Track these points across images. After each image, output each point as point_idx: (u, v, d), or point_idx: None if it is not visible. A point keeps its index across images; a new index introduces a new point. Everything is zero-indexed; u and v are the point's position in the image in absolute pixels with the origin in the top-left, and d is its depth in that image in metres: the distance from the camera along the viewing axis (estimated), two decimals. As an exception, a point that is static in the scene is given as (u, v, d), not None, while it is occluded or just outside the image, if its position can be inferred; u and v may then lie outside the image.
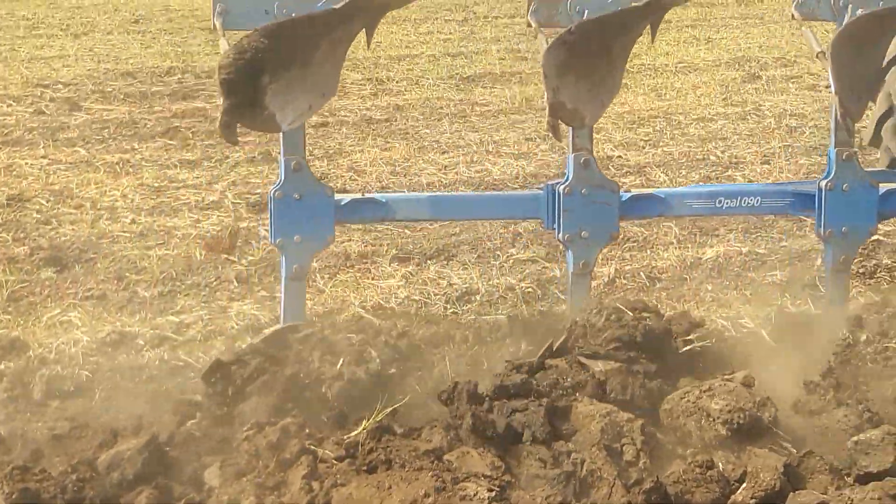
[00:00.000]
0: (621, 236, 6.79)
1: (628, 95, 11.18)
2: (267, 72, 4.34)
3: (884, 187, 5.28)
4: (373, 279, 6.50)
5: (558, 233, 5.06)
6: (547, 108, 4.66)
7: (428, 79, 12.21)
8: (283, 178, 4.76)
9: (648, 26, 4.93)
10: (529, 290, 6.15)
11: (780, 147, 8.95)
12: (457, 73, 12.52)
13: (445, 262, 6.78)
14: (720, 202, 5.39)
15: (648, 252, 6.92)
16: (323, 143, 9.52)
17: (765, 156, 8.77)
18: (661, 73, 12.44)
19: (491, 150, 9.35)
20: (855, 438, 3.97)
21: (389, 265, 6.72)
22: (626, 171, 8.60)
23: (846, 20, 4.96)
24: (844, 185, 5.19)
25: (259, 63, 4.29)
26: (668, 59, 13.28)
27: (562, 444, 3.98)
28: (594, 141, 5.18)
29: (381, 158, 9.03)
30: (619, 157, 8.94)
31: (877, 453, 3.88)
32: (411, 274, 6.58)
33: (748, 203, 5.42)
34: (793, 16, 5.06)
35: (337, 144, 9.55)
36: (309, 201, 4.78)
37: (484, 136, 9.79)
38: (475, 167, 8.86)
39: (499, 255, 6.83)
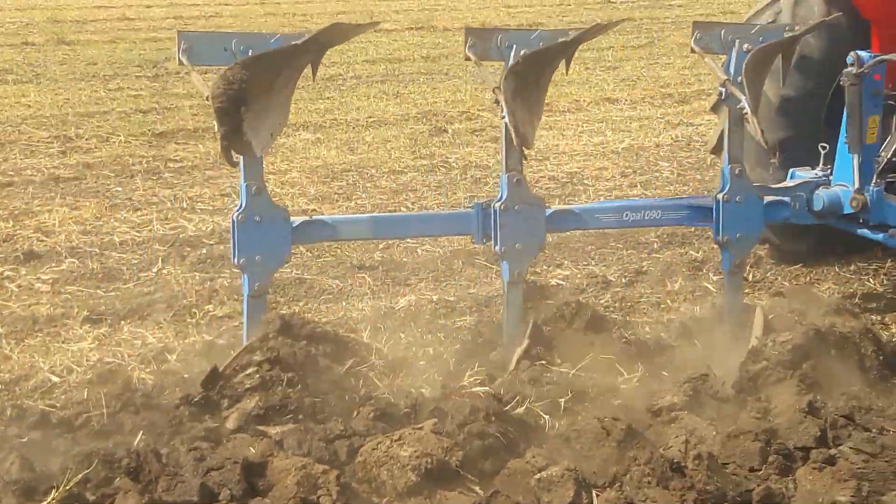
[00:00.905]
0: (317, 288, 7.06)
1: (322, 150, 11.31)
2: (246, 101, 4.80)
3: (767, 199, 6.16)
4: (63, 342, 6.31)
5: (495, 245, 5.56)
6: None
7: (119, 135, 11.92)
8: (244, 202, 5.13)
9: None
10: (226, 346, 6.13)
11: (465, 198, 9.23)
12: (149, 130, 12.28)
13: (140, 322, 6.67)
14: (627, 216, 6.05)
15: (343, 303, 7.03)
16: (7, 204, 9.15)
17: (452, 206, 9.03)
18: (353, 128, 12.61)
19: (186, 206, 9.25)
20: (537, 476, 4.20)
21: (81, 327, 6.53)
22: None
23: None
24: (737, 198, 5.96)
25: (242, 93, 4.76)
26: (360, 113, 13.46)
27: (258, 500, 4.02)
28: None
29: (70, 218, 8.75)
30: (314, 209, 9.02)
31: (557, 489, 4.13)
32: (104, 335, 6.43)
33: (651, 216, 6.10)
34: (692, 49, 5.71)
35: (23, 204, 9.17)
36: (268, 224, 5.18)
37: (178, 193, 9.67)
38: (170, 224, 8.75)
39: (195, 313, 6.78)
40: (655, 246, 8.08)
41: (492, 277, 7.29)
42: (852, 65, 6.24)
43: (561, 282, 7.26)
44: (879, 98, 6.34)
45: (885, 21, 7.05)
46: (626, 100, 14.39)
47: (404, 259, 7.86)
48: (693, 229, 8.11)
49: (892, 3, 7.09)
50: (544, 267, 7.56)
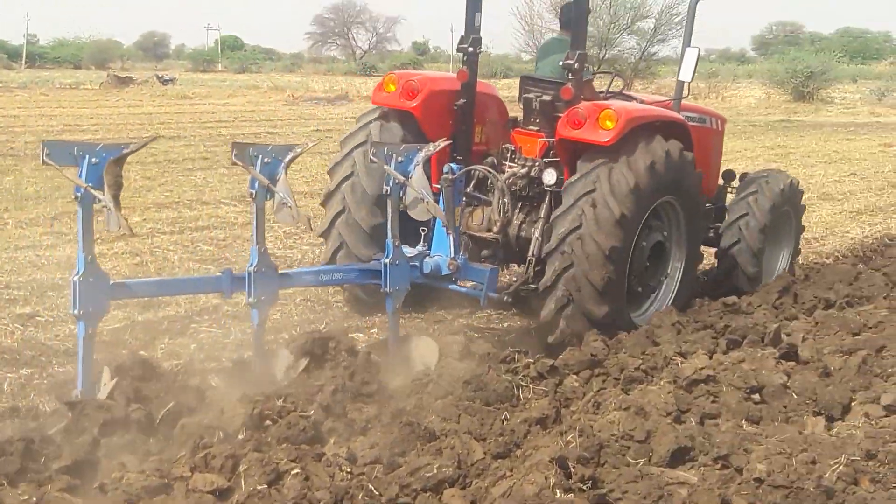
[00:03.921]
0: None
1: None
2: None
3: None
4: None
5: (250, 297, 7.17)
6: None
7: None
8: (82, 268, 6.27)
9: None
10: None
11: None
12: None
13: None
14: (322, 277, 8.20)
15: None
16: None
17: None
18: None
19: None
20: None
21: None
22: None
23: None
24: (397, 261, 7.96)
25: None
26: None
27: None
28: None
29: None
30: None
31: None
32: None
33: (339, 277, 8.35)
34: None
35: None
36: (96, 284, 6.34)
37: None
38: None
39: None
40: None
41: None
42: (447, 173, 8.58)
43: None
44: (461, 195, 8.98)
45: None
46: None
47: None
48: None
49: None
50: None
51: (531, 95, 9.82)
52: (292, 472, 5.31)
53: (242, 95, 50.16)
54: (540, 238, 9.08)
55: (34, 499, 5.04)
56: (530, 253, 9.13)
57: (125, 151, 6.34)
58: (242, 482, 5.28)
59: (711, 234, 11.08)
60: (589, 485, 5.21)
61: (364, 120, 9.76)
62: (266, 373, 7.20)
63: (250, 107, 41.86)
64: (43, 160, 6.13)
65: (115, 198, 6.33)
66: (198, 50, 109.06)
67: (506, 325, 10.21)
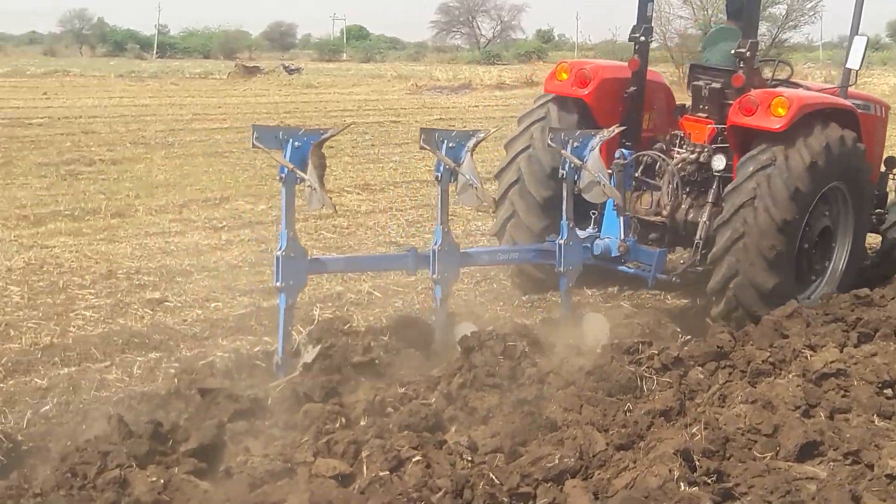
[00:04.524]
0: None
1: None
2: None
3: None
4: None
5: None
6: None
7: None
8: (284, 244, 6.91)
9: None
10: None
11: None
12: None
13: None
14: (500, 256, 8.92)
15: None
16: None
17: None
18: None
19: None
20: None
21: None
22: None
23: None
24: (571, 242, 8.51)
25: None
26: None
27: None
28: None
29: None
30: None
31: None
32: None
33: (515, 256, 8.97)
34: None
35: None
36: (296, 259, 6.98)
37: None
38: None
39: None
40: None
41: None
42: (619, 158, 9.24)
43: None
44: (631, 179, 9.47)
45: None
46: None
47: None
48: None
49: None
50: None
51: (700, 83, 10.12)
52: (413, 460, 5.31)
53: (366, 84, 50.61)
54: (707, 222, 9.35)
55: (162, 481, 5.13)
56: (697, 236, 9.37)
57: (324, 136, 6.97)
58: (364, 468, 5.31)
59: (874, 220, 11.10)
60: (714, 478, 5.13)
61: (540, 101, 10.18)
62: (450, 346, 7.50)
63: (374, 96, 42.21)
64: (253, 144, 6.75)
65: (320, 178, 6.94)
66: (323, 39, 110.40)
67: (669, 304, 10.35)
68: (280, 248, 6.88)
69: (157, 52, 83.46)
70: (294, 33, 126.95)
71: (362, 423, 6.04)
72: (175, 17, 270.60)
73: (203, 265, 10.99)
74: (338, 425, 5.92)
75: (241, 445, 5.75)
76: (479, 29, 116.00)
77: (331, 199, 7.01)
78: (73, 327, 8.65)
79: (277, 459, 5.42)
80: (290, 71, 57.47)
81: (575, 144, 8.38)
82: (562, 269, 8.53)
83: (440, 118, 30.71)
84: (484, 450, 5.63)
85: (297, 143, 6.85)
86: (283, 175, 6.82)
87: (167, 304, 9.48)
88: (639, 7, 9.65)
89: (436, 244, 7.71)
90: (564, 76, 9.93)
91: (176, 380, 6.90)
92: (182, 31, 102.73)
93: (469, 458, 5.44)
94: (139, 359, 7.75)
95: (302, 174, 6.84)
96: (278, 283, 6.88)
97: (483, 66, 76.99)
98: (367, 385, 6.55)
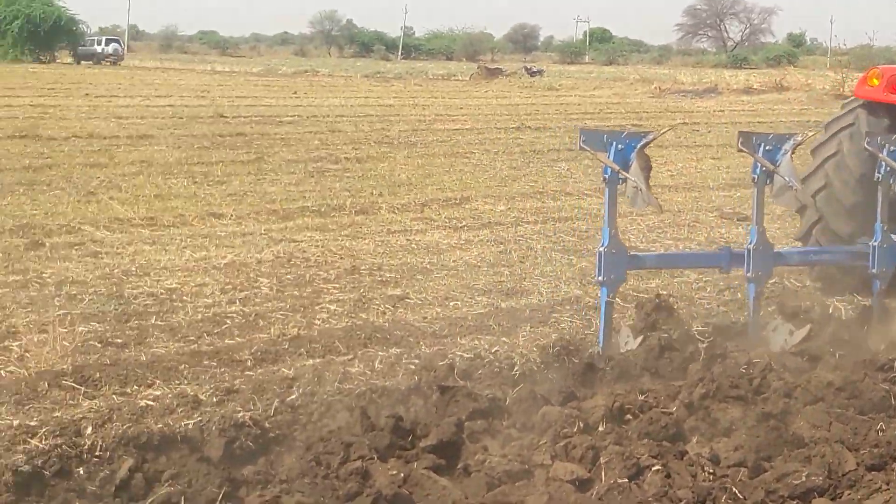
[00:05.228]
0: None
1: None
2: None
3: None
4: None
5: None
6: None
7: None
8: (606, 241, 7.30)
9: None
10: None
11: (57, 315, 8.34)
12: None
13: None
14: (812, 256, 9.17)
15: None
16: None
17: (42, 324, 8.15)
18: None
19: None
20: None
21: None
22: None
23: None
24: (885, 245, 8.28)
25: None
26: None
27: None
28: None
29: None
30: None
31: None
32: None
33: (826, 257, 9.10)
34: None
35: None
36: (617, 255, 7.35)
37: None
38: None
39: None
40: (249, 363, 7.60)
41: (78, 399, 6.73)
42: None
43: (151, 402, 6.63)
44: None
45: None
46: (231, 215, 13.87)
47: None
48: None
49: None
50: (135, 387, 6.97)
51: None
52: (653, 469, 5.21)
53: (608, 87, 50.38)
54: None
55: (402, 475, 5.19)
56: None
57: (647, 140, 7.22)
58: (603, 474, 5.24)
59: None
60: (974, 506, 4.82)
61: (848, 107, 10.15)
62: (764, 341, 7.77)
63: (616, 99, 41.96)
64: (580, 146, 7.22)
65: (646, 179, 7.17)
66: (566, 42, 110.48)
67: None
68: (602, 245, 7.30)
69: (402, 54, 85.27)
70: (537, 35, 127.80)
71: (600, 428, 5.96)
72: (420, 19, 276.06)
73: (443, 264, 11.11)
74: (576, 429, 5.86)
75: (480, 444, 5.77)
76: (727, 32, 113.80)
77: (656, 198, 7.32)
78: (319, 320, 8.86)
79: (515, 460, 5.41)
80: (531, 73, 57.78)
81: (892, 149, 8.26)
82: (875, 270, 8.37)
83: (683, 122, 30.23)
84: (726, 462, 5.46)
85: (620, 146, 7.19)
86: (607, 176, 7.19)
87: (408, 300, 9.61)
88: None
89: (751, 243, 7.90)
90: (875, 82, 9.80)
91: (416, 376, 6.98)
92: (427, 33, 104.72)
93: (710, 471, 5.29)
94: (381, 353, 7.87)
95: (626, 174, 7.12)
96: (600, 278, 7.31)
97: (729, 69, 75.52)
98: (606, 391, 6.47)
